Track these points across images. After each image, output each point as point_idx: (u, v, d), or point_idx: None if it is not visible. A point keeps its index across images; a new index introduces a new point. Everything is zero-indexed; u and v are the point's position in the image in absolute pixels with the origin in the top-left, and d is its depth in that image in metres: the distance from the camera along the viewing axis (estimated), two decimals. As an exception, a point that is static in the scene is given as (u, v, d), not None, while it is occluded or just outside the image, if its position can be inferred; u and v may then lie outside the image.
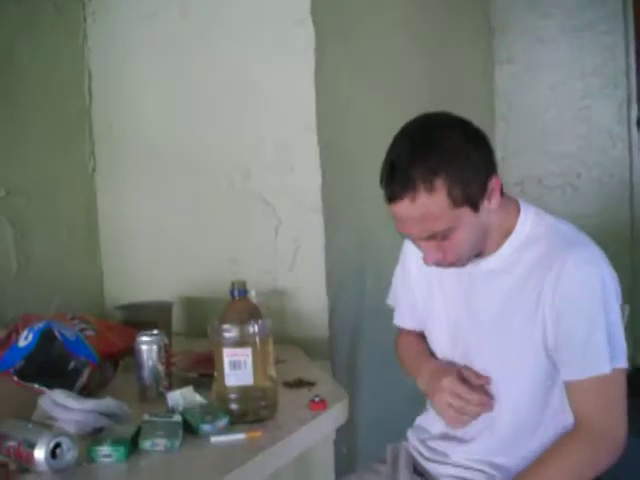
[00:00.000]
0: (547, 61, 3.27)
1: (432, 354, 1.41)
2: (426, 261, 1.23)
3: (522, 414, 1.27)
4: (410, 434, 1.44)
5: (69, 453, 1.08)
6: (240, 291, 1.29)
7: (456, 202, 1.16)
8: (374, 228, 2.09)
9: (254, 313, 1.28)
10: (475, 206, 1.19)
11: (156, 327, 1.48)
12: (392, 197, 1.17)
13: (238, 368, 1.24)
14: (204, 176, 2.05)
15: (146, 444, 1.15)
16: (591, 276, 1.20)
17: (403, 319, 1.49)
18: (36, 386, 1.37)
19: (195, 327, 2.02)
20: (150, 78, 2.11)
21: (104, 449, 1.12)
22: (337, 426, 1.41)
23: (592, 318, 1.19)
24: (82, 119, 2.17)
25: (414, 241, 1.24)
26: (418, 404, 1.48)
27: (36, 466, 1.07)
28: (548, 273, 1.20)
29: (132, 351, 1.44)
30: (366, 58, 2.14)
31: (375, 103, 2.15)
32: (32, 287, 1.99)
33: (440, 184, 1.15)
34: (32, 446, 1.06)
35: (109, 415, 1.23)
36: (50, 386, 1.32)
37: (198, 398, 1.31)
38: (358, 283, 2.07)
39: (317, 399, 1.33)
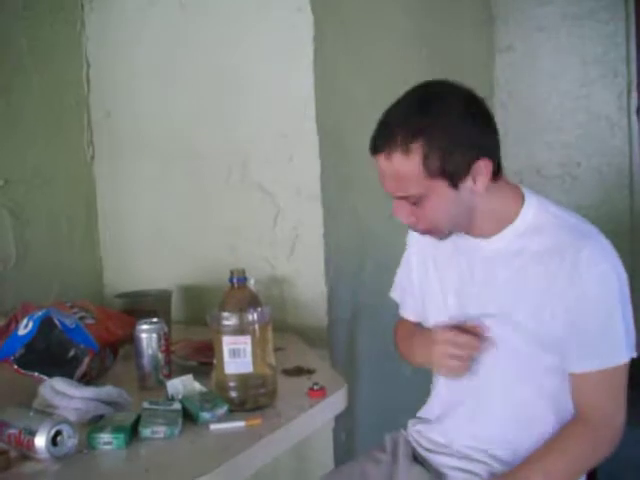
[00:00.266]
0: (547, 49, 3.27)
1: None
2: (395, 214, 1.25)
3: (515, 398, 1.26)
4: (410, 424, 1.45)
5: (70, 440, 1.09)
6: (239, 279, 1.28)
7: (430, 172, 1.17)
8: (373, 217, 2.09)
9: (253, 301, 1.28)
10: (453, 182, 1.18)
11: (156, 315, 1.48)
12: (372, 148, 1.22)
13: (237, 356, 1.24)
14: (203, 165, 2.05)
15: (146, 432, 1.15)
16: (609, 269, 1.20)
17: (406, 310, 1.50)
18: (36, 374, 1.37)
19: (194, 315, 2.02)
20: (148, 67, 2.10)
21: (104, 436, 1.12)
22: (336, 414, 1.41)
23: (609, 311, 1.19)
24: (80, 108, 2.17)
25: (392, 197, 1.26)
26: (417, 391, 1.48)
27: (37, 453, 1.07)
28: (562, 263, 1.19)
29: (132, 339, 1.44)
30: (366, 46, 2.13)
31: (375, 91, 2.14)
32: (31, 276, 1.99)
33: (416, 149, 1.16)
34: (33, 434, 1.07)
35: (109, 403, 1.24)
36: (50, 374, 1.32)
37: (197, 386, 1.31)
38: (357, 271, 2.07)
39: (316, 387, 1.33)
